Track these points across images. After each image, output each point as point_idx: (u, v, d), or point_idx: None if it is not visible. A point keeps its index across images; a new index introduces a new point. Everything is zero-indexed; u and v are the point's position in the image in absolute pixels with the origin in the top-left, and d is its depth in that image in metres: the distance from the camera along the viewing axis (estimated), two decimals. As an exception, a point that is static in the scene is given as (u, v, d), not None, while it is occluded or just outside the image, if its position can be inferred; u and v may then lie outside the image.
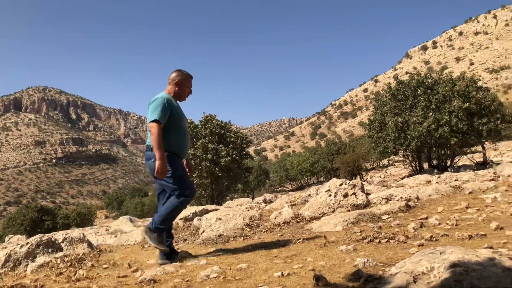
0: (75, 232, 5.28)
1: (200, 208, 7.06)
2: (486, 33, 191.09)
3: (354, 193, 5.50)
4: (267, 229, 4.98)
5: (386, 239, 3.46)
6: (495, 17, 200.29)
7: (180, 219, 6.48)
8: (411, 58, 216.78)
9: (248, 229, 5.07)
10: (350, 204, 5.39)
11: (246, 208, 7.18)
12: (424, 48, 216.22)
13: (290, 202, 7.29)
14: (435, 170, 13.90)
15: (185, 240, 5.35)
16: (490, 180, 7.11)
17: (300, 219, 5.31)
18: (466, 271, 1.97)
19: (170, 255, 3.59)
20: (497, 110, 14.60)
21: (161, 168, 3.34)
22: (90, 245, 4.75)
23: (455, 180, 7.66)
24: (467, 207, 4.63)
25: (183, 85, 3.75)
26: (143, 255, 4.25)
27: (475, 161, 15.99)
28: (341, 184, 5.76)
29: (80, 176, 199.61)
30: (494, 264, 2.02)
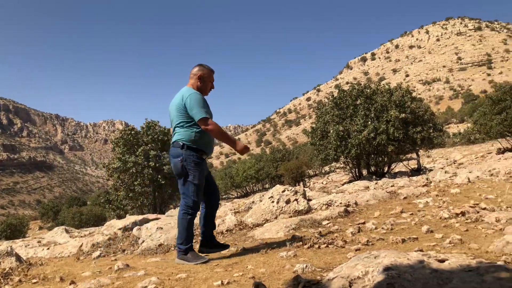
0: (2, 246, 4.91)
1: (140, 217, 6.83)
2: (419, 47, 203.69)
3: (296, 200, 5.58)
4: (209, 237, 4.92)
5: (326, 244, 3.52)
6: (427, 32, 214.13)
7: (119, 229, 6.23)
8: (351, 69, 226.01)
9: (190, 238, 4.98)
10: (292, 210, 5.46)
11: (189, 216, 7.06)
12: (364, 60, 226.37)
13: (234, 209, 7.27)
14: (374, 177, 14.48)
15: (123, 250, 5.13)
16: (423, 186, 7.50)
17: (243, 226, 5.30)
18: (398, 274, 2.04)
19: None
20: (430, 119, 15.54)
21: (243, 146, 3.60)
22: (18, 258, 4.42)
23: (391, 186, 8.01)
24: (401, 212, 4.84)
25: (205, 80, 3.71)
26: (78, 267, 4.02)
27: (410, 168, 16.85)
28: (283, 191, 5.82)
29: (12, 185, 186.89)
30: (423, 267, 2.11)
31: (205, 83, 3.71)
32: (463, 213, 4.24)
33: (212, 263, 3.42)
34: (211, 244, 3.81)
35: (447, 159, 20.65)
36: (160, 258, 3.98)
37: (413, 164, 18.06)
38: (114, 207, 17.05)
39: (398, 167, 17.41)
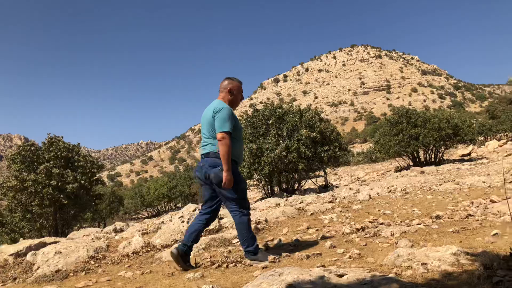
0: None
1: (36, 241, 6.23)
2: (327, 71, 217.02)
3: (207, 219, 5.51)
4: (114, 260, 4.63)
5: (234, 263, 3.51)
6: (334, 57, 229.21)
7: (10, 255, 5.62)
8: (265, 89, 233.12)
9: (92, 262, 4.65)
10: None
11: (92, 239, 6.61)
12: (276, 81, 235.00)
13: (142, 230, 6.96)
14: (285, 193, 14.91)
15: (15, 278, 4.63)
16: (329, 202, 7.87)
17: (151, 248, 5.09)
18: (299, 290, 2.08)
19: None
20: (336, 139, 16.48)
21: (229, 179, 3.53)
22: None
23: (300, 203, 8.28)
24: (308, 228, 5.02)
25: (235, 93, 3.87)
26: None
27: (318, 185, 17.65)
28: (194, 210, 5.73)
29: None
30: (323, 282, 2.18)
31: (235, 96, 3.88)
32: (363, 228, 4.51)
33: (114, 286, 3.22)
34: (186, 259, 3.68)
35: (351, 177, 22.02)
36: (56, 286, 3.65)
37: (321, 181, 18.95)
38: (8, 231, 15.44)
39: (308, 184, 18.15)
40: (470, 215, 4.58)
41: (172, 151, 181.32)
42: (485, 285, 1.98)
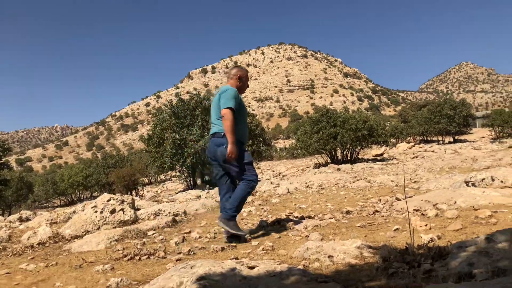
0: None
1: None
2: (255, 66, 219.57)
3: (122, 209, 5.33)
4: (16, 252, 4.30)
5: (147, 256, 3.43)
6: (263, 53, 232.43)
7: None
8: (192, 79, 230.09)
9: (-11, 254, 4.28)
10: (117, 221, 5.19)
11: (-8, 228, 6.08)
12: (204, 72, 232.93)
13: (51, 219, 6.55)
14: (207, 186, 14.88)
15: None
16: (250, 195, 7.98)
17: (60, 239, 4.80)
18: (210, 283, 2.09)
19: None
20: (260, 134, 16.79)
21: (234, 151, 3.75)
22: None
23: (221, 195, 8.31)
24: (226, 221, 5.05)
25: (243, 80, 4.21)
26: None
27: (240, 178, 17.84)
28: (109, 200, 5.50)
29: None
30: (234, 274, 2.21)
31: (243, 83, 4.21)
32: (278, 221, 4.64)
33: (13, 281, 2.98)
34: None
35: (273, 171, 22.53)
36: None
37: (243, 175, 19.15)
38: None
39: (230, 177, 18.23)
40: (377, 211, 4.91)
41: (90, 137, 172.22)
42: (381, 276, 2.14)
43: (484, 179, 6.25)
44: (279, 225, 4.47)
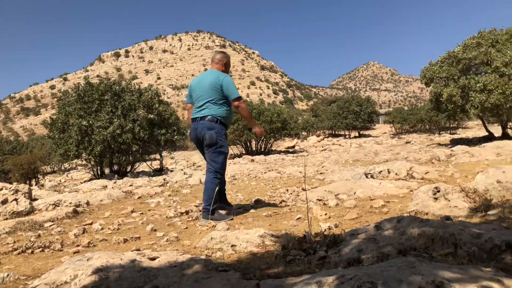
0: None
1: None
2: (172, 52, 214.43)
3: (16, 199, 4.90)
4: None
5: (41, 249, 3.19)
6: (180, 40, 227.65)
7: None
8: (103, 62, 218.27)
9: None
10: (9, 212, 4.76)
11: None
12: (117, 55, 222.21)
13: None
14: (116, 176, 14.24)
15: None
16: (159, 186, 7.82)
17: None
18: (106, 275, 2.01)
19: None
20: (175, 123, 16.42)
21: (262, 130, 4.45)
22: None
23: (130, 186, 8.03)
24: (132, 211, 4.88)
25: (227, 66, 4.39)
26: None
27: (153, 168, 17.37)
28: (1, 189, 5.02)
29: None
30: (133, 266, 2.15)
31: (227, 68, 4.38)
32: (187, 212, 4.60)
33: None
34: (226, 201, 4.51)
35: (188, 161, 22.30)
36: None
37: (156, 164, 18.71)
38: None
39: (142, 166, 17.70)
40: (283, 201, 5.10)
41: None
42: (280, 263, 2.23)
43: (381, 171, 6.79)
44: (187, 216, 4.44)
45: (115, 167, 15.53)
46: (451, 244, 2.02)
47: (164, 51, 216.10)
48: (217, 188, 4.06)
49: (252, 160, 15.32)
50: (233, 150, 22.47)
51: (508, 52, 13.45)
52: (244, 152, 21.11)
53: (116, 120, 13.65)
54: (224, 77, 4.12)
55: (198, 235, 3.43)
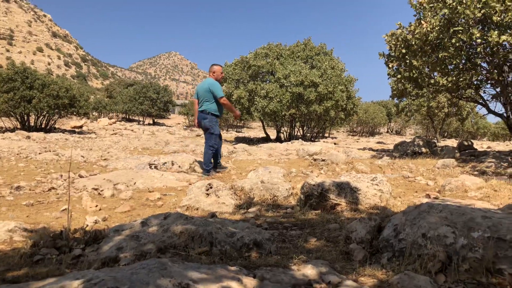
0: None
1: None
2: None
3: None
4: None
5: None
6: None
7: None
8: None
9: None
10: None
11: None
12: None
13: None
14: None
15: None
16: None
17: None
18: None
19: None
20: None
21: (238, 113, 6.92)
22: None
23: None
24: None
25: (219, 75, 6.56)
26: None
27: None
28: None
29: None
30: None
31: (218, 76, 6.54)
32: None
33: None
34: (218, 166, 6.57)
35: None
36: None
37: None
38: None
39: None
40: (53, 188, 4.59)
41: None
42: (24, 264, 1.93)
43: (165, 163, 6.85)
44: None
45: None
46: (208, 242, 2.13)
47: None
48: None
49: (28, 137, 13.45)
50: (4, 122, 19.30)
51: (289, 66, 15.53)
52: (19, 126, 18.38)
53: None
54: (213, 83, 6.33)
55: None
